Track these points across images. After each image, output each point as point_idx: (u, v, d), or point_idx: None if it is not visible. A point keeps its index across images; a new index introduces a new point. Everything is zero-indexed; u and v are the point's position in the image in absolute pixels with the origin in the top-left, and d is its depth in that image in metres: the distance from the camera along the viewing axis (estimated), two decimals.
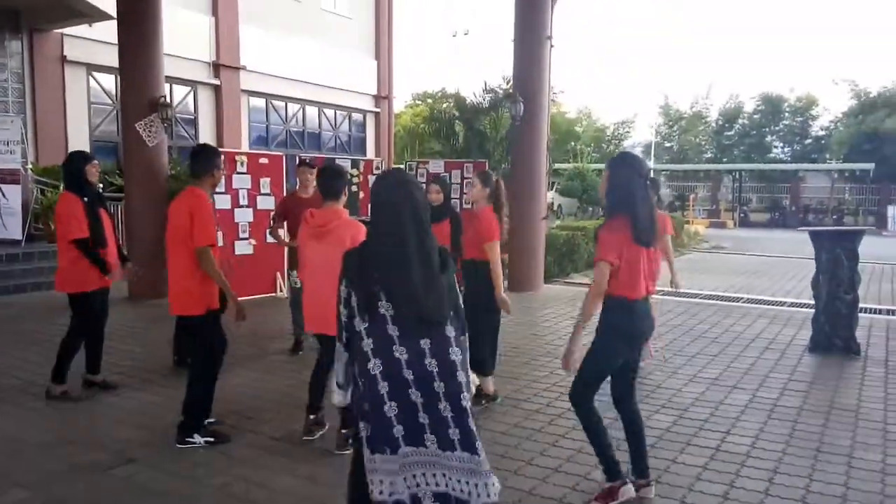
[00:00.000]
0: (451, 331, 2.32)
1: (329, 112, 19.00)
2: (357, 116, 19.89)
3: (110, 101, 13.97)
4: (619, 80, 72.75)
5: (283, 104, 17.71)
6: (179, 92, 15.14)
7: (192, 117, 15.58)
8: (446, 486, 2.29)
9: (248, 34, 16.08)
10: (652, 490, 3.46)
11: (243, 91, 16.37)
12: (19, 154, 10.85)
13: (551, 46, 10.52)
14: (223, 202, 8.71)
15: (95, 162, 5.03)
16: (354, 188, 9.79)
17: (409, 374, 2.25)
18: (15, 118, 11.35)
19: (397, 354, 2.25)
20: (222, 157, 4.42)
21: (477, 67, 46.47)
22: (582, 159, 24.40)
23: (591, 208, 27.23)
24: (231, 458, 3.95)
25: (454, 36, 38.84)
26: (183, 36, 14.03)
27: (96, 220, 4.88)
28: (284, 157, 9.24)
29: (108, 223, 5.06)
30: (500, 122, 14.19)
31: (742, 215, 32.32)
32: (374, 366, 2.25)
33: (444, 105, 21.02)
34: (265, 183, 9.15)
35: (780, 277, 12.51)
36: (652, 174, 3.43)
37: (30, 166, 11.52)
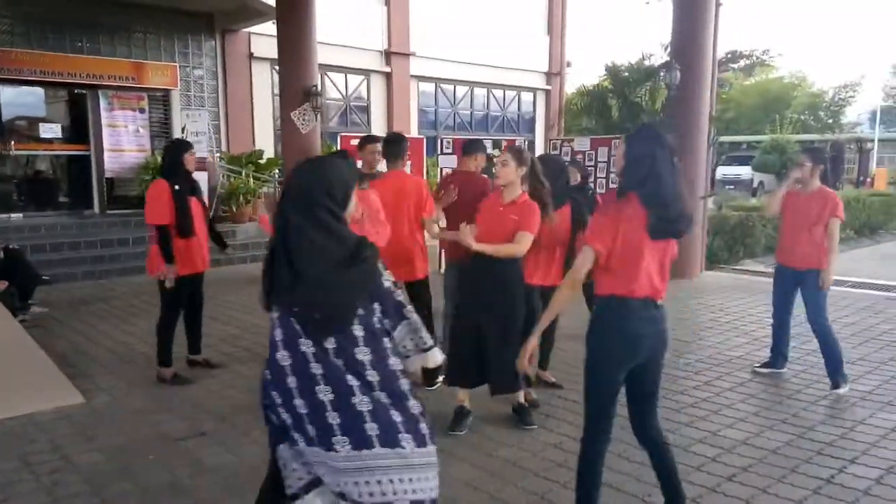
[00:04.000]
0: (359, 330, 2.14)
1: (497, 92, 18.81)
2: (527, 95, 19.50)
3: None
4: (842, 39, 63.66)
5: (451, 87, 17.89)
6: (353, 81, 15.94)
7: (365, 104, 16.32)
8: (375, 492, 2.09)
9: (417, 20, 16.40)
10: None
11: (413, 77, 16.77)
12: (205, 143, 12.14)
13: (718, 5, 9.40)
14: None
15: (194, 150, 5.13)
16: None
17: (318, 369, 2.12)
18: (202, 111, 12.70)
19: (303, 348, 2.14)
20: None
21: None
22: (782, 129, 21.66)
23: None
24: None
25: (647, 3, 36.31)
26: (357, 26, 14.71)
27: (185, 208, 4.90)
28: (424, 140, 9.29)
29: (198, 212, 5.07)
30: (657, 93, 13.01)
31: None
32: (283, 357, 2.17)
33: (600, 78, 19.49)
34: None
35: None
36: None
37: (218, 154, 12.85)
